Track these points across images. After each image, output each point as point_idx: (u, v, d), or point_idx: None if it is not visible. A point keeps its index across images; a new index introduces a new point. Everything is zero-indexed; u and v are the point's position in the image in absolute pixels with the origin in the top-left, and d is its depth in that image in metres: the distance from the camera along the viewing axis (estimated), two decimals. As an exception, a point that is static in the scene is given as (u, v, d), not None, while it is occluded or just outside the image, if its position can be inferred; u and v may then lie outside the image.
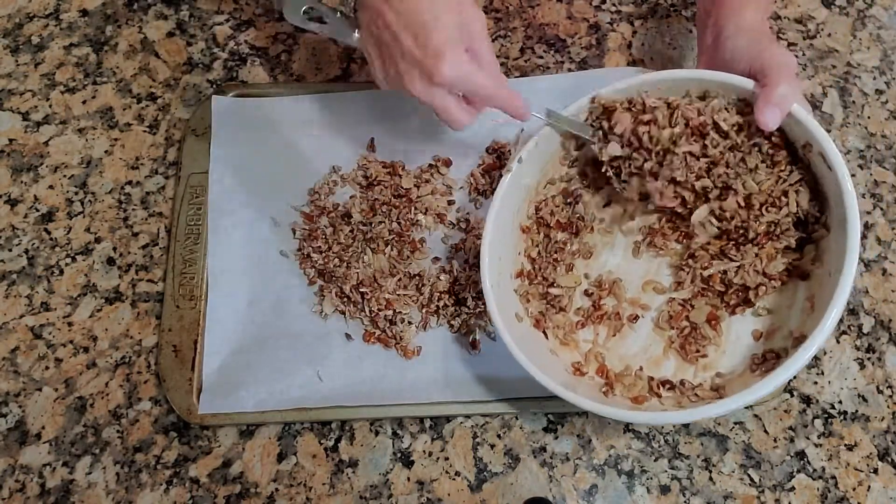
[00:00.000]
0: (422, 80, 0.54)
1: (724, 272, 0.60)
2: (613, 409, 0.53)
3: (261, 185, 0.72)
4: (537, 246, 0.65)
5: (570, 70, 0.78)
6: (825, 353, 0.66)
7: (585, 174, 0.66)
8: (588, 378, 0.60)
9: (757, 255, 0.58)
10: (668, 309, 0.62)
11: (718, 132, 0.57)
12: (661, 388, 0.58)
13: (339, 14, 0.62)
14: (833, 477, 0.61)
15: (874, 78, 0.76)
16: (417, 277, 0.67)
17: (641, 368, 0.60)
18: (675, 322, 0.61)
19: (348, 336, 0.66)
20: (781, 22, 0.80)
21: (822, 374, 0.65)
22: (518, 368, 0.64)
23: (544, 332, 0.61)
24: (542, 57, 0.79)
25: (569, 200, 0.66)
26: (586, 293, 0.64)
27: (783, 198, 0.57)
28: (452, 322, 0.66)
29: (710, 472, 0.62)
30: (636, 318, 0.62)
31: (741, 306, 0.59)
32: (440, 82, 0.54)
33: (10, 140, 0.76)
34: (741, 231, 0.59)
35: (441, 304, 0.66)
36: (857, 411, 0.64)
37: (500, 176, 0.63)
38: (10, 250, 0.71)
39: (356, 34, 0.60)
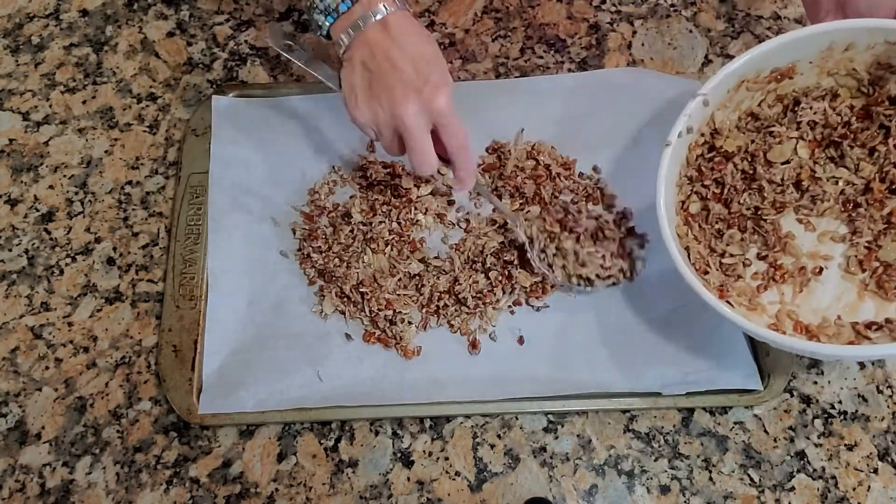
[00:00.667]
0: (417, 104, 0.57)
1: None
2: (835, 347, 0.55)
3: (261, 185, 0.72)
4: (698, 222, 0.65)
5: (570, 70, 0.78)
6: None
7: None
8: (788, 337, 0.59)
9: None
10: (854, 254, 0.62)
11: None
12: (869, 329, 0.58)
13: (312, 50, 0.67)
14: (833, 477, 0.61)
15: (874, 78, 0.76)
16: (417, 277, 0.67)
17: (840, 317, 0.60)
18: (865, 264, 0.61)
19: (348, 336, 0.66)
20: (781, 22, 0.80)
21: (822, 373, 0.65)
22: (519, 368, 0.65)
23: (728, 303, 0.61)
24: (542, 57, 0.79)
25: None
26: (759, 256, 0.64)
27: None
28: (452, 322, 0.66)
29: (710, 472, 0.62)
30: (820, 270, 0.62)
31: None
32: (436, 109, 0.57)
33: (10, 140, 0.76)
34: None
35: (441, 304, 0.66)
36: (857, 411, 0.64)
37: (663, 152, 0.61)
38: (10, 250, 0.71)
39: (327, 68, 0.66)
